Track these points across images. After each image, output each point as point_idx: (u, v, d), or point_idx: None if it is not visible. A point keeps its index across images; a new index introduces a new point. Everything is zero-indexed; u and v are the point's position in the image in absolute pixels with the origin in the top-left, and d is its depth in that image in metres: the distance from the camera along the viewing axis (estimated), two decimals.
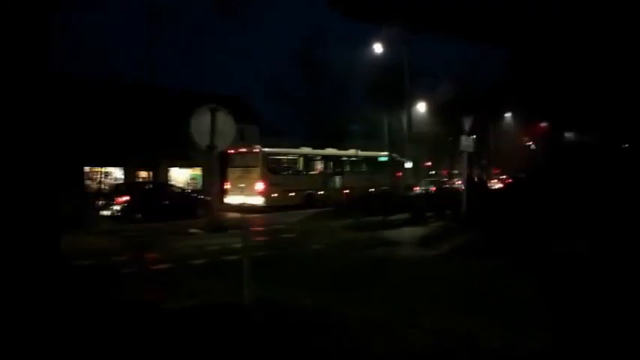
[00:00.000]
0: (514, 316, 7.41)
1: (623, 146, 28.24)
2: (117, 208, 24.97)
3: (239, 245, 8.78)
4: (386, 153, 34.92)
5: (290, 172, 33.08)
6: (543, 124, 54.14)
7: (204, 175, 42.99)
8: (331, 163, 35.48)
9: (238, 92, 48.68)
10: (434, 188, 39.61)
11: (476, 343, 6.30)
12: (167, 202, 26.82)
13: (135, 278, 10.94)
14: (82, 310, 6.81)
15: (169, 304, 8.15)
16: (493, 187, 38.61)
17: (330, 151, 36.77)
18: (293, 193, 31.66)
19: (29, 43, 6.63)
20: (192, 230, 19.41)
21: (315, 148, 36.38)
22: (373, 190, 34.24)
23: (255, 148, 31.22)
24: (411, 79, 35.18)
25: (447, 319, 7.19)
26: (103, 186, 36.80)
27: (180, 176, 43.49)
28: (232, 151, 30.60)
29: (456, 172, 53.89)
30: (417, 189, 41.77)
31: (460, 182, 34.26)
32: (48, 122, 6.91)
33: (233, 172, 31.51)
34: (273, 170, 31.26)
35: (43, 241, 6.72)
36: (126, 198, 25.29)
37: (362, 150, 38.22)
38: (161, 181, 37.89)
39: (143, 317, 7.25)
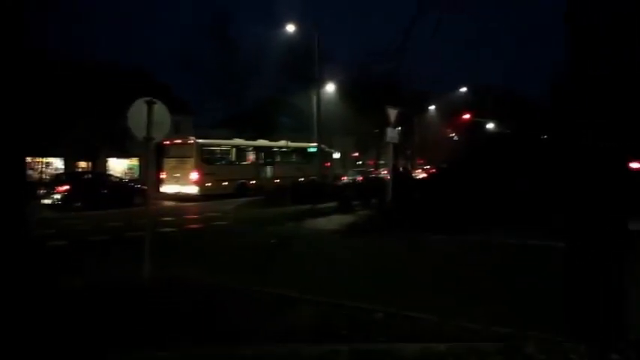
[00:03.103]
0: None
1: (541, 138, 29.99)
2: (57, 196, 25.83)
3: None
4: (315, 144, 36.01)
5: (223, 162, 34.26)
6: (466, 117, 56.59)
7: (141, 166, 44.01)
8: (263, 153, 36.88)
9: (141, 63, 48.12)
10: (361, 178, 40.67)
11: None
12: (105, 191, 27.78)
13: None
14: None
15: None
16: (417, 177, 40.01)
17: (262, 142, 38.28)
18: (226, 183, 32.89)
19: None
20: None
21: (247, 139, 37.70)
22: (303, 179, 35.38)
23: (189, 140, 32.37)
24: (320, 63, 35.52)
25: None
26: (44, 176, 37.43)
27: (118, 166, 44.34)
28: (168, 143, 31.57)
29: (382, 162, 55.18)
30: (345, 179, 42.91)
31: (386, 172, 35.56)
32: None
33: (169, 163, 32.47)
34: (206, 160, 32.43)
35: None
36: (66, 187, 26.16)
37: (292, 141, 39.83)
38: (100, 171, 38.71)
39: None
